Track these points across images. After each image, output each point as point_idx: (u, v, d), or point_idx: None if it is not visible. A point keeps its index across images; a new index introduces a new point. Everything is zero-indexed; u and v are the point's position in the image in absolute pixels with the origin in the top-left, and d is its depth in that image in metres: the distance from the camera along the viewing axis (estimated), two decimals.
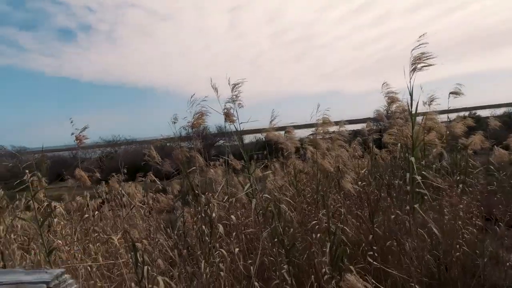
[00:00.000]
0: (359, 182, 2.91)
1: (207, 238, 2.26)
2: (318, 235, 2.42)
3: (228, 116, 2.48)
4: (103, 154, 19.91)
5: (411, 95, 2.28)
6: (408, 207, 2.29)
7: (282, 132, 3.00)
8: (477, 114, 14.18)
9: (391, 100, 2.63)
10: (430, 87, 2.78)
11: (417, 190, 2.18)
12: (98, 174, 3.15)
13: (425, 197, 2.22)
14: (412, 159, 2.17)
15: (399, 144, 2.64)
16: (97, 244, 2.78)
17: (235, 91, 2.47)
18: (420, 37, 2.12)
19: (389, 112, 2.87)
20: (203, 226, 2.28)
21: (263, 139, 3.16)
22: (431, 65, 2.14)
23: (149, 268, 2.02)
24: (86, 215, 2.85)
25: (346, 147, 2.94)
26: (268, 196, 2.41)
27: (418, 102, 2.33)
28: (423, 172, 2.25)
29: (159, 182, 3.62)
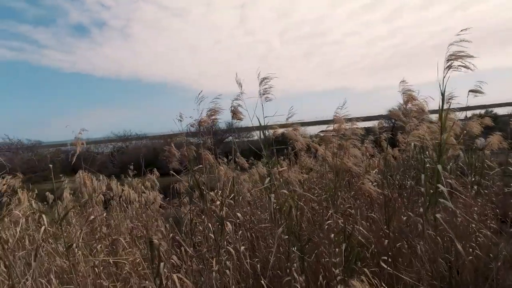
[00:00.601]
0: (379, 190, 2.84)
1: (212, 236, 2.25)
2: (332, 235, 2.37)
3: (235, 113, 2.45)
4: (114, 149, 20.25)
5: (443, 94, 2.12)
6: (421, 210, 2.21)
7: (289, 129, 2.96)
8: (493, 112, 13.69)
9: (408, 98, 2.52)
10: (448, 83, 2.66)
11: (440, 200, 2.07)
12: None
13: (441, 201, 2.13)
14: (439, 167, 2.04)
15: (412, 144, 2.55)
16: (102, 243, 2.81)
17: (265, 85, 2.46)
18: (461, 31, 1.92)
19: (405, 110, 2.74)
20: (210, 224, 2.28)
21: (272, 136, 3.11)
22: (468, 68, 1.95)
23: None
24: (92, 216, 2.87)
25: (359, 146, 2.87)
26: (286, 192, 2.37)
27: (443, 102, 2.18)
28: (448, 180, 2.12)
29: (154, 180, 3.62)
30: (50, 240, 2.57)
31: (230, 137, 18.60)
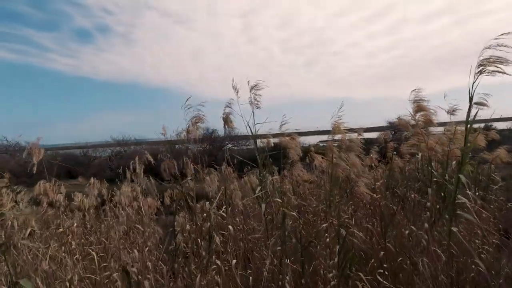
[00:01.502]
0: (374, 195, 2.75)
1: (202, 252, 2.15)
2: (327, 239, 2.28)
3: (226, 121, 2.40)
4: (112, 153, 20.16)
5: (471, 99, 2.00)
6: (426, 225, 2.11)
7: (285, 139, 2.89)
8: (493, 127, 13.68)
9: (419, 107, 2.40)
10: (451, 95, 2.58)
11: (458, 212, 1.96)
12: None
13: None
14: (463, 177, 1.93)
15: (419, 154, 2.45)
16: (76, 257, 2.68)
17: (254, 92, 2.41)
18: (501, 35, 1.81)
19: (414, 120, 2.63)
20: (199, 240, 2.18)
21: (268, 144, 3.03)
22: (504, 72, 1.83)
23: None
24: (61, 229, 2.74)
25: (362, 156, 2.78)
26: (279, 200, 2.29)
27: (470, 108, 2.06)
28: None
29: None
30: None
31: (230, 145, 18.53)
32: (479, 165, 3.03)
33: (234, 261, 2.24)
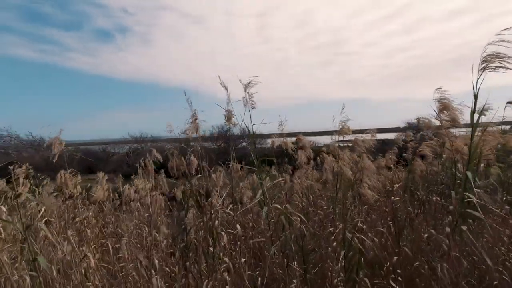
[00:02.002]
0: (392, 197, 2.64)
1: (211, 249, 2.13)
2: (334, 243, 2.20)
3: (229, 118, 2.33)
4: (130, 149, 20.69)
5: (475, 97, 1.92)
6: (447, 229, 1.99)
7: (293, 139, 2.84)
8: None
9: (444, 106, 2.25)
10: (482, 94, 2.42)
11: (467, 210, 1.86)
12: None
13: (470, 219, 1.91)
14: (469, 173, 1.85)
15: (443, 156, 2.32)
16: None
17: (248, 91, 2.28)
18: (503, 30, 1.73)
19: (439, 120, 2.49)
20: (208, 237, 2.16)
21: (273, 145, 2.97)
22: (508, 68, 1.75)
23: None
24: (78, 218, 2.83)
25: (373, 157, 2.68)
26: (279, 206, 2.19)
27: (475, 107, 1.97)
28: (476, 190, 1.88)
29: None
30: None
31: (244, 143, 18.57)
32: (509, 168, 2.84)
33: (243, 259, 2.21)
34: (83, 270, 2.38)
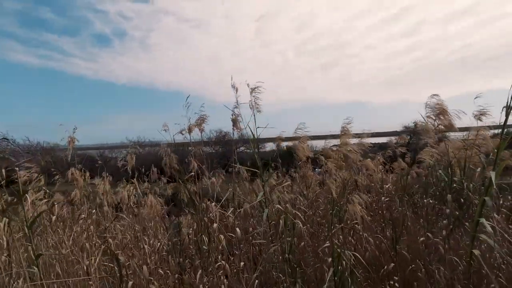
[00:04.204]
0: (383, 198, 2.66)
1: (204, 248, 2.14)
2: (330, 259, 2.19)
3: (235, 123, 2.38)
4: (127, 154, 20.60)
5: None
6: (444, 232, 2.02)
7: (297, 142, 2.87)
8: None
9: (440, 111, 2.29)
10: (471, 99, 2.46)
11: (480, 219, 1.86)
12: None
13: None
14: (493, 174, 1.77)
15: (433, 159, 2.35)
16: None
17: (254, 95, 2.36)
18: None
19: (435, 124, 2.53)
20: (204, 238, 2.17)
21: (278, 148, 3.01)
22: None
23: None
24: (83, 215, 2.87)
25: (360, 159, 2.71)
26: (280, 207, 2.20)
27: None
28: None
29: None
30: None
31: (242, 148, 18.58)
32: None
33: (242, 263, 2.22)
34: (85, 267, 2.40)
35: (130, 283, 1.99)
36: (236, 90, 2.35)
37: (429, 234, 2.30)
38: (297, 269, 2.10)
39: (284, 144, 2.95)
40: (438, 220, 2.34)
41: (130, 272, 2.40)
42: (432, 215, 2.42)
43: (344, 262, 1.94)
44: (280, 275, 2.19)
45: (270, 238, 2.27)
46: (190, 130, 2.39)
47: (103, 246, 2.65)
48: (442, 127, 2.29)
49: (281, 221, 2.04)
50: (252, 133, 2.38)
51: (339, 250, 1.95)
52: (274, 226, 2.22)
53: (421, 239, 2.36)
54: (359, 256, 2.06)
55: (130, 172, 3.49)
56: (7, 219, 1.92)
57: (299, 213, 2.21)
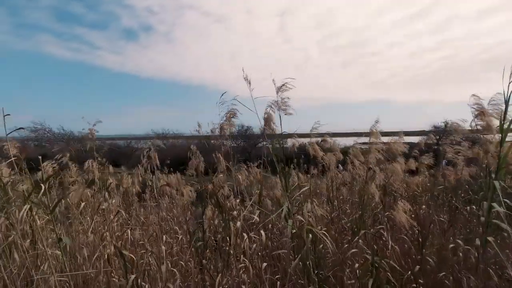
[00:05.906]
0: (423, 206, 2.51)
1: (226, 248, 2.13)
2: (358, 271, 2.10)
3: (267, 122, 2.13)
4: (152, 145, 21.25)
5: (506, 102, 1.86)
6: (478, 241, 1.90)
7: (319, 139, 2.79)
8: None
9: (480, 112, 2.12)
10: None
11: (494, 221, 1.78)
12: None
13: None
14: (497, 183, 1.77)
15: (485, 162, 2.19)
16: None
17: (281, 94, 2.07)
18: None
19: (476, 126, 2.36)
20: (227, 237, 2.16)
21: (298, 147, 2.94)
22: None
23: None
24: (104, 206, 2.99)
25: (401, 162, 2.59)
26: (303, 219, 2.00)
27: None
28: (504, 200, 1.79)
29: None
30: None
31: (264, 142, 18.53)
32: None
33: (265, 264, 2.17)
34: (106, 255, 2.50)
35: (133, 276, 2.03)
36: (249, 83, 2.06)
37: (459, 241, 2.16)
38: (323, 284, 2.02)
39: (305, 140, 2.85)
40: (474, 227, 2.20)
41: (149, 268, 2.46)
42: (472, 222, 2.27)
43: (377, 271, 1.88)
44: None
45: (292, 251, 2.15)
46: (222, 129, 2.34)
47: (125, 236, 2.74)
48: (480, 127, 2.13)
49: (305, 239, 1.90)
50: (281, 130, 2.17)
51: (376, 260, 1.88)
52: (297, 238, 2.08)
53: (451, 245, 2.23)
54: (395, 265, 1.98)
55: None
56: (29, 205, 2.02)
57: (325, 232, 2.06)
